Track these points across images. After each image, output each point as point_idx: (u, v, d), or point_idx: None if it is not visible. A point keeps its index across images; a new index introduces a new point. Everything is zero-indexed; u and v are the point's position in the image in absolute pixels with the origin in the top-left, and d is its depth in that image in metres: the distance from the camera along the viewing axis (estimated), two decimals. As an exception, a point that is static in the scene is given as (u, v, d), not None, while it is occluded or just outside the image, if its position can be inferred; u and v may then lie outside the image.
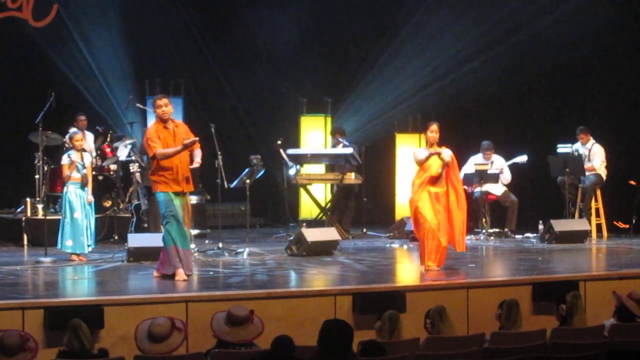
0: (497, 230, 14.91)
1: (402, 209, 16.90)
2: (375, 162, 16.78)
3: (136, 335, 7.24)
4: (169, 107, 10.45)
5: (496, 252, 13.46)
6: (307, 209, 16.55)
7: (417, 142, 17.20)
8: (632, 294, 8.23)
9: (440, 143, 11.20)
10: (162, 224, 10.44)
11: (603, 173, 14.99)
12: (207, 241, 14.01)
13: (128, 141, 14.52)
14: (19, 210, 14.40)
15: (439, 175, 11.00)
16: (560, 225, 13.97)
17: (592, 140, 15.04)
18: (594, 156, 14.94)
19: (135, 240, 12.14)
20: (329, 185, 16.02)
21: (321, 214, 15.24)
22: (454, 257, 12.45)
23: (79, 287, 10.59)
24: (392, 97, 17.23)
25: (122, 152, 14.62)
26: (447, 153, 11.03)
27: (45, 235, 12.39)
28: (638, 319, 8.09)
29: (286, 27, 17.10)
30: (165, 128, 10.42)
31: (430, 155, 11.04)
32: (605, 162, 14.96)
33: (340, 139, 15.51)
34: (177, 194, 10.31)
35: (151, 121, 12.04)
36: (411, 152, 11.28)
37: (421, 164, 11.03)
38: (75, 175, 12.13)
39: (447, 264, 11.26)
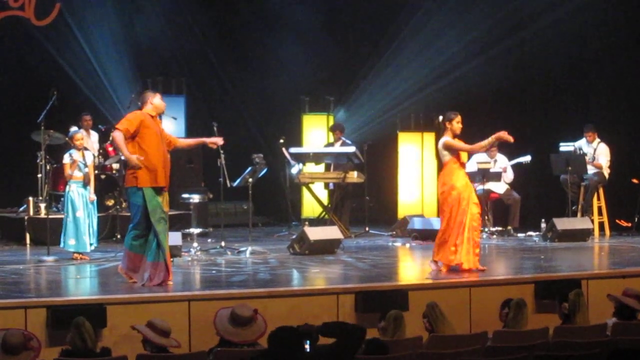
0: (499, 228, 14.90)
1: (404, 208, 16.91)
2: (378, 161, 16.77)
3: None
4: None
5: (499, 250, 13.45)
6: (310, 207, 16.55)
7: (420, 141, 17.20)
8: (627, 291, 8.23)
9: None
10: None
11: (606, 172, 14.98)
12: (209, 240, 14.03)
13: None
14: (21, 209, 14.37)
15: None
16: (563, 223, 13.95)
17: (597, 139, 15.02)
18: (600, 155, 14.92)
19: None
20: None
21: (324, 213, 15.23)
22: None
23: (81, 286, 10.58)
24: (395, 95, 17.22)
25: (125, 151, 14.60)
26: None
27: (47, 234, 12.37)
28: (639, 315, 8.09)
29: (288, 26, 17.10)
30: (155, 121, 9.85)
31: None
32: (609, 163, 14.95)
33: (341, 137, 15.53)
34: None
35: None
36: (443, 143, 10.94)
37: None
38: (77, 174, 12.14)
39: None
